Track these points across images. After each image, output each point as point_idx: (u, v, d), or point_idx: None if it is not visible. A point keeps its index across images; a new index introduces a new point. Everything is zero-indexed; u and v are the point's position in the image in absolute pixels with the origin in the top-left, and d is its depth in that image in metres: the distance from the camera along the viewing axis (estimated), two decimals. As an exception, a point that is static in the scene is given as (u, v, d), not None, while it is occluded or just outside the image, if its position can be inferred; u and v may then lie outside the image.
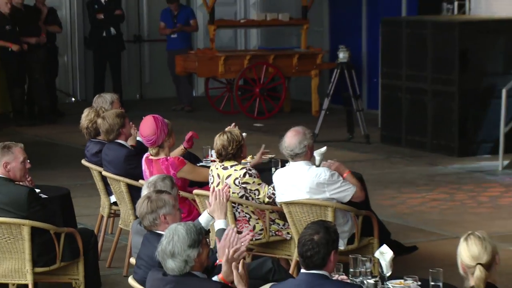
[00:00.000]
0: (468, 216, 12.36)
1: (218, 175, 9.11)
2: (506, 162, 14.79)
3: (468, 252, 5.95)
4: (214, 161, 9.50)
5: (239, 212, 9.23)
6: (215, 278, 6.41)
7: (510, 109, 14.87)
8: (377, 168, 14.55)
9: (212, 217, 7.55)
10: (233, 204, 9.10)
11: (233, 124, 9.73)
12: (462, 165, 15.14)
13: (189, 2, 22.29)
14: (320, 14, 21.38)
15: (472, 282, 5.91)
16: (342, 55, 16.89)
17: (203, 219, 7.59)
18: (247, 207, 9.24)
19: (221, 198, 7.53)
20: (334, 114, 17.20)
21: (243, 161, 9.44)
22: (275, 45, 21.53)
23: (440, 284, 6.82)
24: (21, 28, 18.60)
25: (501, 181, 14.20)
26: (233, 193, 8.97)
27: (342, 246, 8.77)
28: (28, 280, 8.53)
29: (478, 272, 5.89)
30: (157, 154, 9.41)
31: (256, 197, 9.12)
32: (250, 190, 9.11)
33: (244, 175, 9.05)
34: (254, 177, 9.13)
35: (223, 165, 9.16)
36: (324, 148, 9.83)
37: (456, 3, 17.26)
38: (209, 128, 10.13)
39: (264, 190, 9.11)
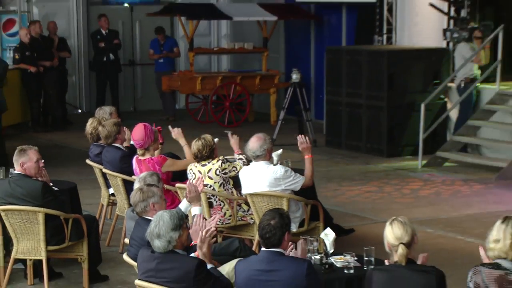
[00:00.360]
0: (394, 204, 12.38)
1: (200, 172, 9.10)
2: (424, 162, 14.86)
3: (392, 234, 5.96)
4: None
5: (216, 201, 9.24)
6: (192, 254, 6.43)
7: (427, 120, 14.91)
8: (322, 166, 14.54)
9: (190, 203, 7.60)
10: (210, 197, 9.12)
11: (176, 130, 10.05)
12: (389, 164, 15.15)
13: (173, 33, 22.20)
14: (277, 43, 21.34)
15: (396, 258, 5.96)
16: (295, 76, 16.89)
17: (182, 206, 7.70)
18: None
19: (196, 188, 7.64)
20: (288, 123, 17.16)
21: (236, 155, 9.64)
22: (242, 68, 21.44)
23: (372, 259, 6.84)
24: (38, 54, 18.53)
25: (420, 177, 14.22)
26: (214, 182, 9.11)
27: (294, 228, 8.77)
28: (43, 256, 8.50)
29: (401, 250, 5.92)
30: (143, 155, 9.52)
31: (235, 171, 9.22)
32: (230, 171, 9.23)
33: (221, 164, 9.15)
34: (227, 162, 9.26)
35: (201, 164, 9.18)
36: (280, 151, 9.93)
37: (385, 36, 17.29)
38: (188, 135, 10.03)
39: (240, 164, 9.28)
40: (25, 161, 8.45)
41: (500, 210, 11.38)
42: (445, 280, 5.96)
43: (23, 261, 9.00)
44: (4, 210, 8.42)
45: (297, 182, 8.99)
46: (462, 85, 15.28)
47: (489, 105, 15.12)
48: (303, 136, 9.24)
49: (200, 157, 9.19)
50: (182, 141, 9.90)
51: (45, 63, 18.70)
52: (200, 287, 6.12)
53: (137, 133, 9.53)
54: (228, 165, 9.22)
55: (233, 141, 9.82)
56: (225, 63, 23.20)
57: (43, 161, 8.65)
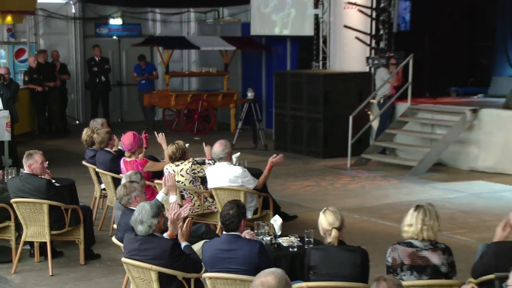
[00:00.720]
0: (328, 196, 12.38)
1: (174, 171, 9.07)
2: (352, 162, 14.87)
3: (326, 220, 6.00)
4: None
5: (186, 194, 9.22)
6: (164, 234, 6.39)
7: (354, 129, 14.92)
8: (272, 165, 14.52)
9: (165, 194, 7.61)
10: (182, 191, 9.07)
11: (161, 134, 10.06)
12: (325, 164, 15.15)
13: (152, 60, 22.09)
14: (236, 68, 21.32)
15: (329, 239, 5.98)
16: (250, 94, 16.86)
17: (159, 196, 7.66)
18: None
19: (171, 181, 7.64)
20: (245, 132, 17.12)
21: (207, 160, 9.59)
22: (207, 88, 21.43)
23: (312, 239, 6.83)
24: (44, 76, 18.47)
25: (349, 174, 14.24)
26: (184, 179, 9.09)
27: (249, 215, 8.76)
28: (47, 239, 8.46)
29: (334, 233, 5.95)
30: (130, 157, 9.49)
31: (203, 173, 9.19)
32: (198, 171, 9.19)
33: (191, 166, 9.14)
34: (196, 164, 9.26)
35: (175, 164, 9.17)
36: (238, 153, 9.93)
37: (321, 62, 17.35)
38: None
39: (207, 167, 9.27)
40: (32, 163, 8.50)
41: (412, 200, 11.48)
42: (368, 257, 6.00)
43: (31, 243, 8.94)
44: (16, 202, 8.40)
45: (251, 184, 9.01)
46: (382, 101, 15.36)
47: (402, 117, 15.23)
48: (281, 156, 9.20)
49: (174, 158, 9.20)
50: (164, 146, 9.85)
51: (49, 84, 18.65)
52: (175, 263, 6.10)
53: (127, 139, 9.50)
54: (197, 167, 9.20)
55: (206, 149, 9.79)
56: (194, 84, 23.17)
57: (47, 162, 8.72)
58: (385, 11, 15.87)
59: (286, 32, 18.91)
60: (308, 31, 17.74)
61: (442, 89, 16.42)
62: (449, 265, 5.86)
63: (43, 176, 8.60)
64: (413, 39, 16.07)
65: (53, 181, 8.94)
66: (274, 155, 9.18)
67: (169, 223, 6.42)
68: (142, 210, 6.18)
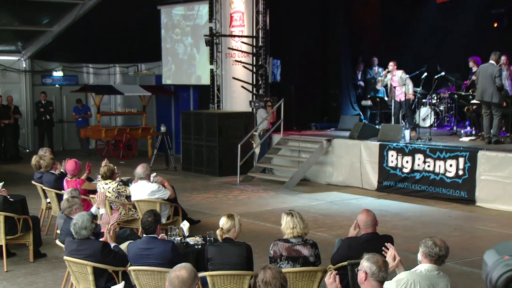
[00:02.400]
0: (223, 205, 12.26)
1: (103, 188, 8.80)
2: (240, 179, 14.82)
3: (220, 222, 5.98)
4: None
5: (114, 205, 8.95)
6: (101, 239, 6.21)
7: (242, 154, 14.93)
8: (180, 182, 14.31)
9: (98, 208, 7.41)
10: (111, 203, 8.78)
11: (106, 160, 9.54)
12: (220, 180, 15.04)
13: (87, 102, 21.52)
14: (151, 108, 21.06)
15: (218, 237, 5.97)
16: (162, 128, 16.69)
17: (93, 209, 7.55)
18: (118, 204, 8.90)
19: (102, 197, 7.51)
20: (159, 157, 16.90)
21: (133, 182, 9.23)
22: (130, 123, 21.15)
23: (212, 238, 6.70)
24: (0, 115, 17.76)
25: (238, 188, 14.17)
26: (111, 195, 8.82)
27: (164, 221, 8.55)
28: (2, 242, 8.09)
29: (218, 231, 5.96)
30: (71, 178, 9.19)
31: (126, 193, 8.93)
32: (122, 191, 8.94)
33: (116, 185, 8.91)
34: (122, 185, 9.01)
35: (105, 182, 8.90)
36: (154, 173, 9.61)
37: (216, 104, 17.30)
38: (97, 164, 9.73)
39: (128, 189, 8.94)
40: None
41: (285, 206, 11.52)
42: (251, 249, 5.96)
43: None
44: (-24, 214, 7.97)
45: (165, 194, 8.81)
46: (261, 133, 15.43)
47: (277, 145, 15.31)
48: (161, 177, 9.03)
49: (105, 177, 8.97)
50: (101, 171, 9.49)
51: (5, 121, 18.08)
52: (106, 259, 5.90)
53: (70, 166, 9.30)
54: (122, 187, 8.95)
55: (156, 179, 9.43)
56: (120, 120, 22.81)
57: (2, 183, 8.37)
58: (262, 67, 16.00)
59: (189, 82, 18.82)
60: (206, 81, 17.73)
61: (305, 124, 16.64)
62: (316, 256, 5.85)
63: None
64: (282, 87, 16.26)
65: (8, 196, 8.54)
66: (158, 177, 9.02)
67: (104, 231, 6.25)
68: (83, 219, 5.99)
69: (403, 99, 14.15)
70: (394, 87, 14.25)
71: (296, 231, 5.80)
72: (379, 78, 15.61)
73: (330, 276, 4.22)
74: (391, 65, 14.32)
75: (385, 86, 15.26)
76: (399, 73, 14.21)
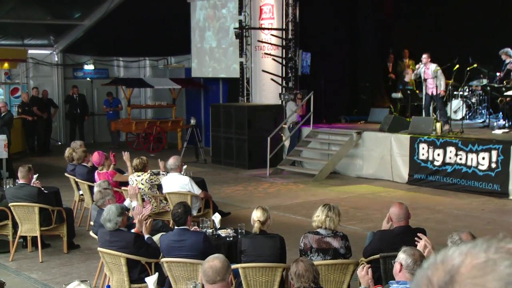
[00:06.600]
0: (253, 198, 12.30)
1: (136, 180, 8.90)
2: (270, 172, 14.82)
3: (255, 214, 5.95)
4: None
5: (146, 198, 9.01)
6: (132, 230, 6.26)
7: (272, 146, 14.90)
8: (210, 175, 14.36)
9: (131, 201, 7.47)
10: (143, 195, 8.88)
11: (127, 153, 9.57)
12: (250, 173, 15.08)
13: (117, 95, 21.72)
14: (181, 101, 21.15)
15: (255, 229, 5.92)
16: (192, 121, 16.70)
17: (126, 202, 7.63)
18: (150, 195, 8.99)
19: (134, 191, 7.65)
20: (189, 150, 16.95)
21: (161, 172, 9.40)
22: (160, 116, 21.26)
23: (243, 230, 6.72)
24: (38, 108, 18.17)
25: (268, 180, 14.20)
26: (144, 187, 8.95)
27: (195, 213, 8.60)
28: (37, 234, 8.21)
29: (256, 224, 5.95)
30: (101, 170, 9.36)
31: (158, 182, 9.00)
32: (155, 180, 9.01)
33: (149, 176, 9.00)
34: (153, 175, 9.10)
35: (137, 174, 9.00)
36: (185, 166, 9.72)
37: (245, 97, 17.31)
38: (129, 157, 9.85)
39: (162, 177, 9.05)
40: (24, 175, 8.32)
41: (316, 200, 11.52)
42: (285, 241, 5.96)
43: (24, 237, 8.67)
44: (12, 206, 8.17)
45: (196, 190, 8.86)
46: (291, 126, 15.39)
47: (307, 138, 15.29)
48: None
49: (137, 169, 9.05)
50: (128, 163, 9.58)
51: (43, 115, 18.40)
52: (138, 251, 5.98)
53: (94, 157, 9.56)
54: (154, 177, 9.04)
55: (161, 164, 9.59)
56: (150, 113, 22.91)
57: (37, 175, 8.52)
58: (292, 59, 15.96)
59: (219, 75, 18.86)
60: (235, 74, 17.75)
61: (335, 117, 16.58)
62: (346, 248, 5.85)
63: (33, 185, 8.38)
64: (312, 80, 16.20)
65: (42, 188, 8.69)
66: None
67: (136, 222, 6.29)
68: (109, 211, 6.06)
69: (435, 92, 14.00)
70: (426, 80, 14.09)
71: (328, 223, 5.80)
72: (414, 70, 15.36)
73: (363, 269, 4.23)
74: (424, 57, 14.10)
75: (418, 79, 15.08)
76: (433, 66, 14.03)
